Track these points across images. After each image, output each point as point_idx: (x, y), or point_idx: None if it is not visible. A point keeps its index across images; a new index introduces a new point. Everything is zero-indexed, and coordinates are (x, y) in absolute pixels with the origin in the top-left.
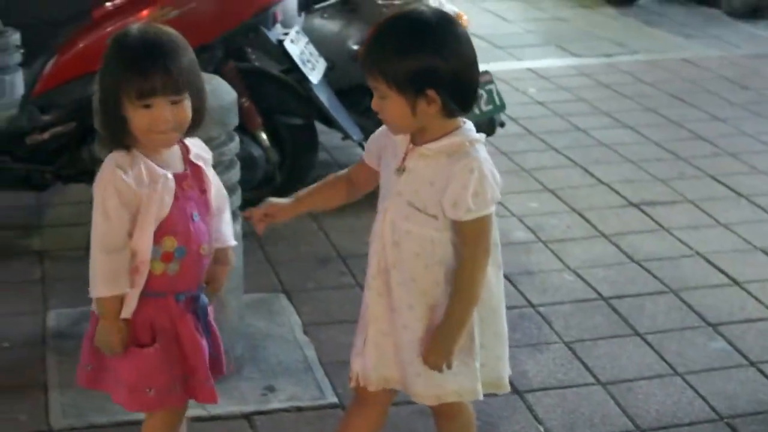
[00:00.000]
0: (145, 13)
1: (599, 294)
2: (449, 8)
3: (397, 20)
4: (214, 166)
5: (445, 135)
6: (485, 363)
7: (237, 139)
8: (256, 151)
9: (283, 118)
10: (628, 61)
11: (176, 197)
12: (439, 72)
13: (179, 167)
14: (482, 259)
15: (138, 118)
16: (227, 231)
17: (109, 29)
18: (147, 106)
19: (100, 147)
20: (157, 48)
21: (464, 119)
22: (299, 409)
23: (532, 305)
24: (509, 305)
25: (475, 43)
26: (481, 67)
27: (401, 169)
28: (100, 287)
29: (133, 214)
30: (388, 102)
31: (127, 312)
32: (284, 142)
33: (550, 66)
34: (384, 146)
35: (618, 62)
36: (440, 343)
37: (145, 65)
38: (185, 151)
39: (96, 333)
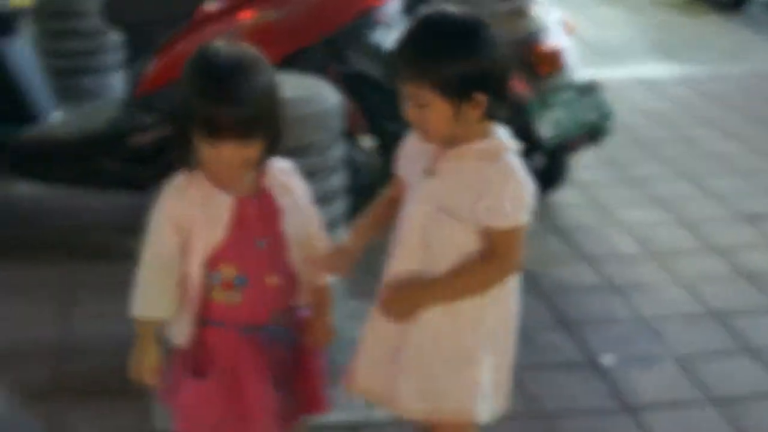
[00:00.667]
0: (247, 14)
1: (709, 308)
2: (556, 15)
3: (435, 23)
4: (317, 173)
5: (480, 138)
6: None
7: (342, 144)
8: (360, 157)
9: (387, 123)
10: (736, 71)
11: (237, 223)
12: (489, 74)
13: (248, 191)
14: (504, 272)
15: (203, 150)
16: (318, 266)
17: (210, 30)
18: (211, 145)
19: (175, 162)
20: (232, 86)
21: (498, 125)
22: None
23: (642, 319)
24: (619, 318)
25: (580, 50)
26: (587, 75)
27: (431, 172)
28: (136, 306)
29: (184, 237)
30: (429, 109)
31: (180, 338)
32: (388, 147)
33: (657, 74)
34: (407, 152)
35: (725, 71)
36: (406, 292)
37: (211, 109)
38: (260, 174)
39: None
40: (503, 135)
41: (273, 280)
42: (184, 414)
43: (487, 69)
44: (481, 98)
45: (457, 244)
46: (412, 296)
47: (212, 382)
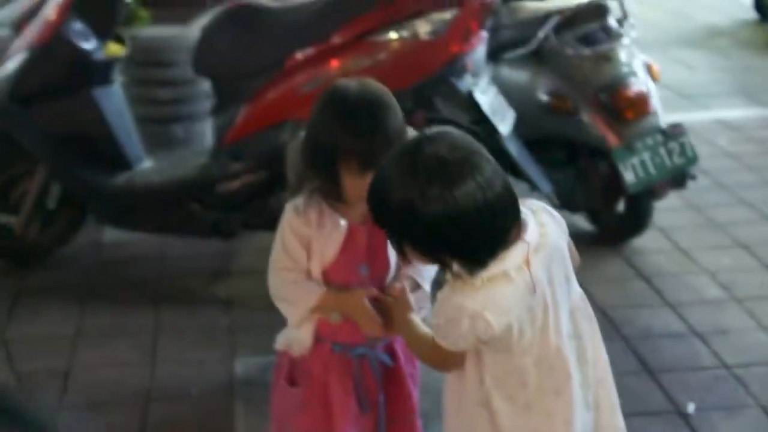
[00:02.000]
0: (335, 63)
1: None
2: (642, 59)
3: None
4: None
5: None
6: None
7: None
8: None
9: None
10: None
11: (346, 248)
12: (420, 236)
13: (358, 219)
14: (429, 363)
15: (353, 185)
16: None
17: (300, 79)
18: (362, 176)
19: (290, 194)
20: (380, 118)
21: (524, 233)
22: None
23: (726, 366)
24: (703, 366)
25: (663, 93)
26: (670, 119)
27: None
28: (305, 303)
29: (303, 251)
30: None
31: (299, 348)
32: None
33: (740, 117)
34: None
35: None
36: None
37: (367, 142)
38: None
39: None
40: (488, 268)
41: (371, 290)
42: (276, 417)
43: (420, 232)
44: (409, 249)
45: None
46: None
47: (299, 392)
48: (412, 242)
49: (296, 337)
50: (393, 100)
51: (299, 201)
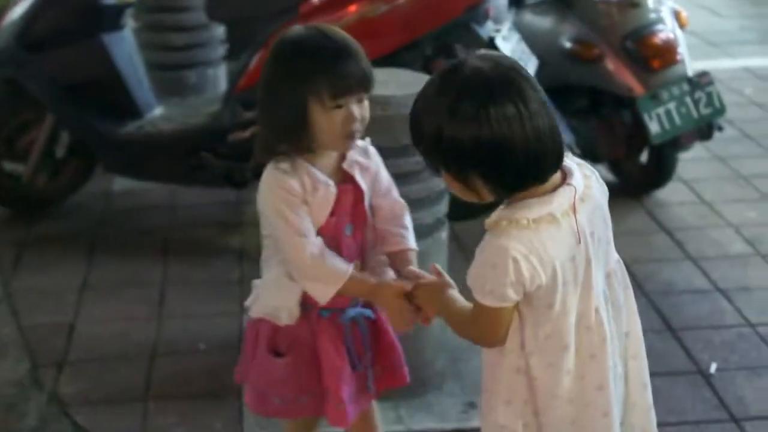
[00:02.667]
0: (352, 8)
1: None
2: (669, 5)
3: (415, 111)
4: (422, 171)
5: (510, 205)
6: None
7: None
8: None
9: None
10: None
11: (333, 210)
12: (466, 151)
13: (332, 173)
14: (472, 338)
15: (328, 120)
16: (404, 234)
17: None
18: (339, 107)
19: (260, 155)
20: (345, 45)
21: (569, 178)
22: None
23: (750, 324)
24: (726, 324)
25: (689, 40)
26: (697, 66)
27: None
28: (328, 284)
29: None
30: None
31: (286, 318)
32: None
33: None
34: None
35: None
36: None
37: (340, 64)
38: (340, 157)
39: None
40: (533, 203)
41: (357, 265)
42: (258, 389)
43: (467, 147)
44: (446, 175)
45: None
46: (430, 300)
47: (288, 362)
48: (444, 164)
49: (282, 305)
50: (353, 39)
51: (283, 164)
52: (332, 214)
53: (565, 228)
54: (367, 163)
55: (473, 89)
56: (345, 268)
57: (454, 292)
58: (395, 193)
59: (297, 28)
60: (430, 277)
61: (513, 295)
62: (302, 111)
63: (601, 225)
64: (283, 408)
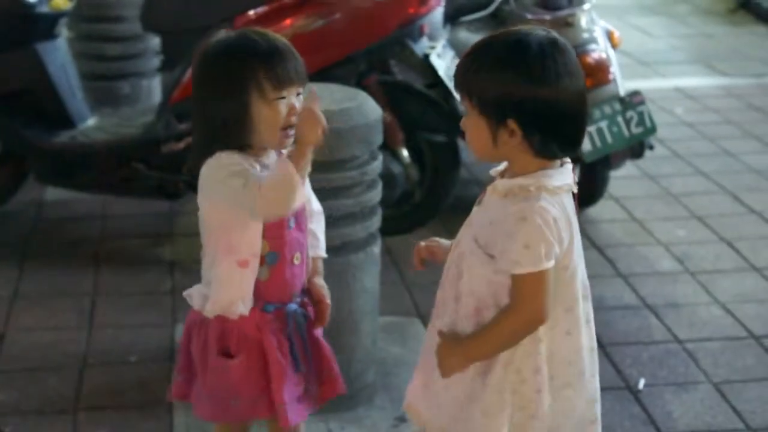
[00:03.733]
0: (288, 22)
1: (750, 332)
2: (602, 25)
3: (493, 39)
4: (355, 186)
5: (522, 175)
6: None
7: (380, 158)
8: (396, 168)
9: (426, 135)
10: None
11: None
12: (524, 101)
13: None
14: (522, 321)
15: (271, 112)
16: (321, 240)
17: None
18: (281, 98)
19: (196, 157)
20: (279, 40)
21: (565, 162)
22: None
23: (678, 341)
24: (655, 340)
25: (621, 60)
26: (629, 86)
27: (479, 201)
28: (287, 181)
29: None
30: (469, 122)
31: (243, 308)
32: (425, 158)
33: (698, 85)
34: None
35: None
36: (445, 351)
37: (278, 57)
38: (279, 153)
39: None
40: (551, 173)
41: (298, 259)
42: (215, 394)
43: (524, 95)
44: (514, 126)
45: (480, 280)
46: (451, 356)
47: (241, 362)
48: (497, 115)
49: (237, 296)
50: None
51: (230, 153)
52: None
53: (571, 201)
54: None
55: (539, 53)
56: (279, 167)
57: (452, 335)
58: (314, 199)
59: (224, 33)
60: (324, 299)
61: (558, 253)
62: (244, 105)
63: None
64: (242, 410)
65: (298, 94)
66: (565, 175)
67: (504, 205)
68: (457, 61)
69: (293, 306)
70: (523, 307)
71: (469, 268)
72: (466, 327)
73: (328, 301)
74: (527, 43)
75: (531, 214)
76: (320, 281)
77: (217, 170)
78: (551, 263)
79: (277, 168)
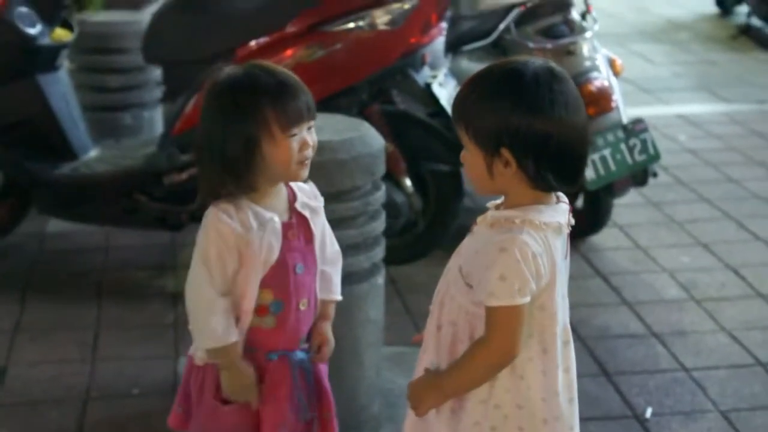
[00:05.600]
0: (289, 52)
1: (757, 359)
2: (604, 53)
3: (490, 69)
4: (358, 216)
5: (513, 207)
6: None
7: (383, 188)
8: (399, 198)
9: (428, 164)
10: None
11: (282, 246)
12: (518, 130)
13: (284, 216)
14: (493, 355)
15: (281, 151)
16: (338, 284)
17: None
18: (292, 135)
19: (203, 196)
20: (286, 76)
21: (560, 196)
22: None
23: (684, 369)
24: (661, 368)
25: (623, 87)
26: (631, 113)
27: (471, 231)
28: (212, 337)
29: (236, 260)
30: (466, 156)
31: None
32: (428, 188)
33: (701, 112)
34: None
35: None
36: (418, 390)
37: (287, 95)
38: (292, 198)
39: (223, 384)
40: (542, 209)
41: (305, 304)
42: None
43: (518, 125)
44: (508, 156)
45: (458, 311)
46: (427, 390)
47: (236, 408)
48: (491, 147)
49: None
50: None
51: (226, 206)
52: (281, 250)
53: (561, 241)
54: (317, 206)
55: (534, 84)
56: (226, 335)
57: (433, 371)
58: (334, 240)
59: (231, 68)
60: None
61: (534, 290)
62: (251, 146)
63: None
64: None
65: (309, 128)
66: (557, 213)
67: (490, 235)
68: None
69: (299, 354)
70: (494, 340)
71: (452, 297)
72: (443, 360)
73: (329, 351)
74: (522, 72)
75: (511, 246)
76: (325, 328)
77: (204, 233)
78: (525, 299)
79: (217, 331)
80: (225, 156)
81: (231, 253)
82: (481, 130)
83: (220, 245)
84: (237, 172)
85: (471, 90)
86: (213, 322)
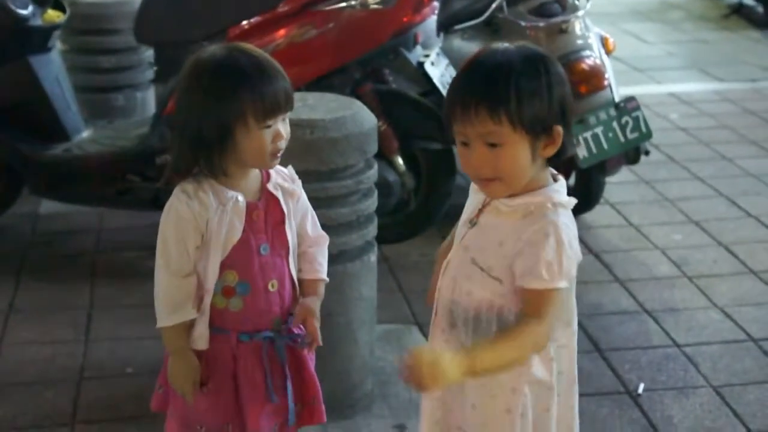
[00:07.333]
0: (282, 32)
1: (749, 335)
2: (596, 32)
3: (503, 57)
4: (351, 195)
5: (529, 192)
6: None
7: (375, 166)
8: (392, 177)
9: (421, 143)
10: None
11: (246, 227)
12: (569, 105)
13: (253, 196)
14: (537, 336)
15: (255, 140)
16: (323, 264)
17: None
18: (267, 127)
19: (170, 175)
20: (267, 65)
21: (558, 177)
22: None
23: (677, 345)
24: (653, 345)
25: (616, 66)
26: (624, 92)
27: (473, 222)
28: (160, 317)
29: (197, 241)
30: (506, 149)
31: (201, 343)
32: (420, 167)
33: (693, 90)
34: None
35: (763, 87)
36: (441, 365)
37: (265, 86)
38: (265, 179)
39: (168, 370)
40: (556, 190)
41: (275, 285)
42: (182, 418)
43: (568, 99)
44: (560, 131)
45: (478, 299)
46: (446, 369)
47: (210, 390)
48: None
49: (194, 330)
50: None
51: (187, 186)
52: (244, 230)
53: None
54: (292, 188)
55: (543, 60)
56: (167, 317)
57: (452, 355)
58: (317, 223)
59: (213, 48)
60: (309, 323)
61: (574, 272)
62: (225, 132)
63: None
64: None
65: (284, 119)
66: (565, 190)
67: (522, 225)
68: (451, 69)
69: (269, 334)
70: (547, 319)
71: (468, 293)
72: None
73: (316, 323)
74: (535, 55)
75: (555, 231)
76: (309, 301)
77: (165, 215)
78: (566, 284)
79: (175, 307)
80: (198, 138)
81: (191, 232)
82: (537, 113)
83: (178, 225)
84: (209, 155)
85: (506, 79)
86: (162, 303)
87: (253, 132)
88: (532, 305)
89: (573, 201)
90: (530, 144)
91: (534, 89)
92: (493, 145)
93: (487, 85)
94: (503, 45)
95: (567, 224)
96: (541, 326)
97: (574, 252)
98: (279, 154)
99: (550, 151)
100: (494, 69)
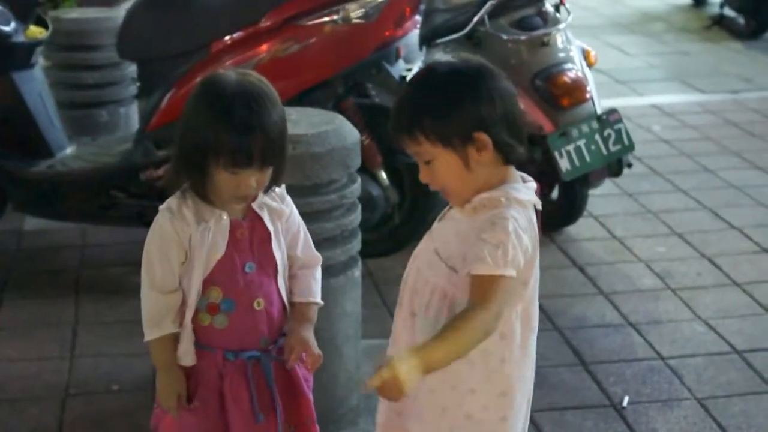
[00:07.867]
0: (264, 47)
1: (733, 347)
2: (578, 44)
3: (427, 76)
4: (334, 209)
5: (490, 189)
6: None
7: (359, 181)
8: (375, 191)
9: (405, 157)
10: (756, 98)
11: (229, 244)
12: (491, 116)
13: (238, 214)
14: (484, 323)
15: (223, 181)
16: (314, 287)
17: (227, 63)
18: (234, 173)
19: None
20: (255, 114)
21: (525, 177)
22: None
23: (661, 357)
24: (638, 357)
25: (598, 78)
26: (606, 104)
27: (441, 218)
28: (145, 331)
29: (181, 257)
30: (437, 164)
31: (187, 359)
32: (404, 181)
33: (675, 102)
34: None
35: (745, 99)
36: (400, 377)
37: (242, 138)
38: (252, 198)
39: (156, 385)
40: (518, 187)
41: (261, 304)
42: None
43: (486, 111)
44: (483, 137)
45: (433, 287)
46: (405, 375)
47: (196, 408)
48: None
49: (180, 347)
50: (275, 95)
51: (172, 202)
52: (229, 247)
53: (534, 218)
54: (280, 208)
55: (485, 76)
56: (160, 325)
57: (407, 353)
58: (310, 244)
59: (228, 74)
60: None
61: (521, 265)
62: (205, 160)
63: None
64: None
65: (261, 170)
66: (530, 191)
67: (474, 219)
68: None
69: (255, 354)
70: (494, 304)
71: (426, 281)
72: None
73: (314, 351)
74: (459, 71)
75: (501, 221)
76: (302, 332)
77: (150, 234)
78: (513, 272)
79: (158, 322)
80: (186, 158)
81: (174, 249)
82: (446, 127)
83: (162, 242)
84: (193, 176)
85: (421, 99)
86: (145, 317)
87: (220, 171)
88: (478, 291)
89: (533, 200)
90: (458, 154)
91: (439, 105)
92: (427, 162)
93: (399, 111)
94: (434, 63)
95: (516, 217)
96: (486, 313)
97: (521, 243)
98: (245, 201)
99: (487, 156)
100: (407, 92)
